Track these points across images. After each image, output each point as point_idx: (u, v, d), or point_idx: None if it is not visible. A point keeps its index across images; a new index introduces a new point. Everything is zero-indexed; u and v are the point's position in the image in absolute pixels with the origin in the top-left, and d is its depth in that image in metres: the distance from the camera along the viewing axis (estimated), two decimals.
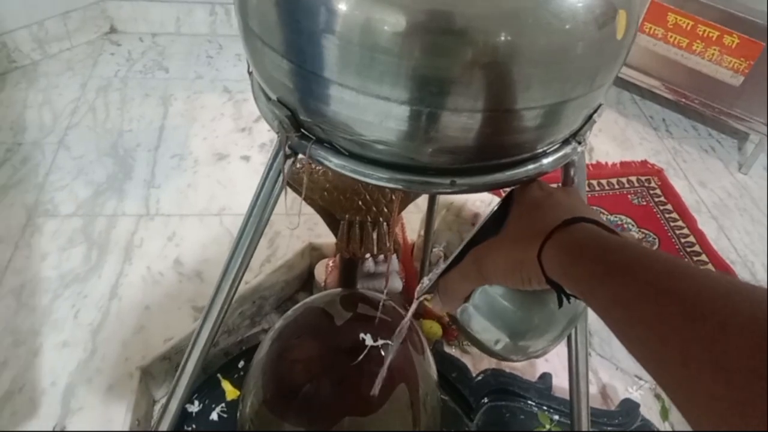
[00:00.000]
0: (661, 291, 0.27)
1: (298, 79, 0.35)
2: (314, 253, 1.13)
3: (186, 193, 1.31)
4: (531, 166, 0.38)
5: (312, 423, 0.62)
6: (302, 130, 0.38)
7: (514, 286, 0.40)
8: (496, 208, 0.42)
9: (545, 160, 0.39)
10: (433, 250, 1.13)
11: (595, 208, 1.26)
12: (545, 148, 0.38)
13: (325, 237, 1.12)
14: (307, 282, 1.17)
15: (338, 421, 0.61)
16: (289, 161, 0.40)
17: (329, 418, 0.61)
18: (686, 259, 1.27)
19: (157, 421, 0.52)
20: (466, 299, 0.44)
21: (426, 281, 0.46)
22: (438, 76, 0.32)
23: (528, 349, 0.44)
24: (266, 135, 1.48)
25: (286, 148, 0.39)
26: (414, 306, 0.48)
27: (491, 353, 0.45)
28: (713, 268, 1.25)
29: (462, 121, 0.33)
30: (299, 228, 1.26)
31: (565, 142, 0.40)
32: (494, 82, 0.32)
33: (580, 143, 0.39)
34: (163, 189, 1.31)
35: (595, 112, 0.39)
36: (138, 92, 1.57)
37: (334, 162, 0.38)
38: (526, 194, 0.40)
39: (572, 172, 0.43)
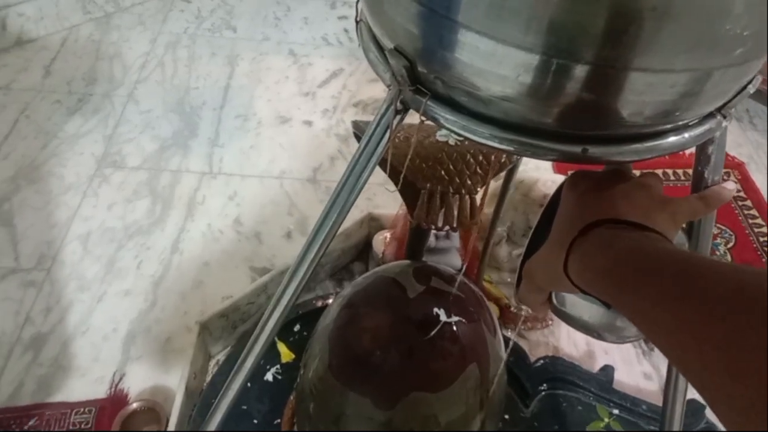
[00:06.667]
0: (674, 297, 0.27)
1: (425, 24, 0.32)
2: (373, 223, 1.11)
3: (248, 154, 1.31)
4: (672, 139, 0.34)
5: (378, 393, 0.60)
6: (417, 85, 0.36)
7: (567, 292, 0.41)
8: (541, 215, 0.43)
9: (687, 134, 0.34)
10: (497, 230, 1.10)
11: None
12: (688, 120, 0.34)
13: (384, 208, 1.10)
14: (363, 252, 1.15)
15: (405, 395, 0.59)
16: (398, 117, 0.37)
17: (396, 391, 0.59)
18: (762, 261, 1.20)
19: (232, 374, 0.51)
20: (549, 299, 0.45)
21: None
22: (583, 24, 0.28)
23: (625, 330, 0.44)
24: (329, 101, 1.46)
25: (398, 103, 0.36)
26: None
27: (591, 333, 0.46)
28: None
29: (604, 78, 0.30)
30: (358, 198, 1.24)
31: (709, 115, 0.35)
32: (649, 36, 0.28)
33: (725, 117, 0.35)
34: (226, 148, 1.31)
35: (750, 82, 0.34)
36: (205, 50, 1.57)
37: (450, 120, 0.35)
38: (565, 196, 0.40)
39: (710, 150, 0.39)
